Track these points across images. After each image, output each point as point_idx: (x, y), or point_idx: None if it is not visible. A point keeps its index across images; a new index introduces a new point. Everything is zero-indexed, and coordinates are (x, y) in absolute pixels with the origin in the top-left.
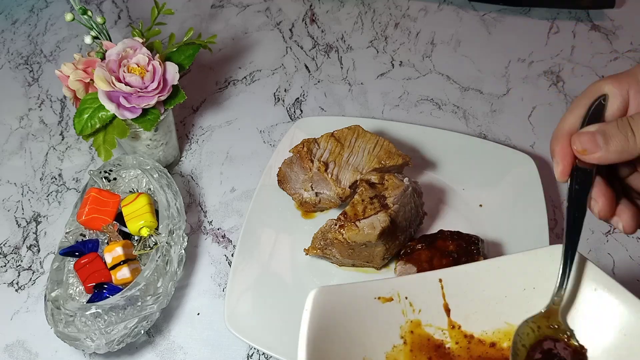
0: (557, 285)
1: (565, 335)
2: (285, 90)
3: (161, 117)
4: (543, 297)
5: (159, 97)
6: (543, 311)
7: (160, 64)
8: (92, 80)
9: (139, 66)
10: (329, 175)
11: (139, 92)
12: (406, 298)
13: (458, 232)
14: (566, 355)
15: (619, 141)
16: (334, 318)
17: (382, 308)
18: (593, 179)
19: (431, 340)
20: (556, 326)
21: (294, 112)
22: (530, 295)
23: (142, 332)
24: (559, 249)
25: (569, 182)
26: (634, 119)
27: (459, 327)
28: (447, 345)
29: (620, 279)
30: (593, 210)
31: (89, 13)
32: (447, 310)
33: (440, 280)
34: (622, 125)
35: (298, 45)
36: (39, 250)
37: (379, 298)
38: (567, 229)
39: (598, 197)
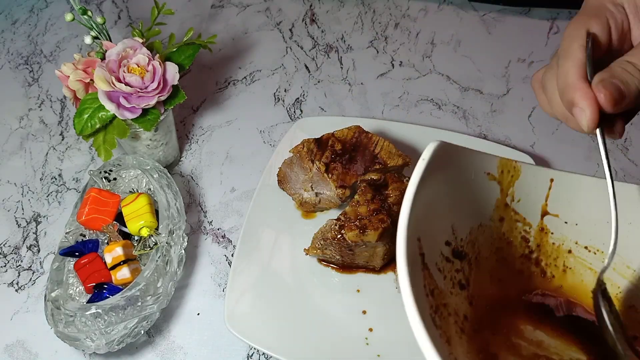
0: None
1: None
2: (285, 90)
3: (161, 117)
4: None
5: (159, 97)
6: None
7: (160, 64)
8: (92, 80)
9: (139, 66)
10: (329, 176)
11: (139, 92)
12: (512, 184)
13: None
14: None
15: (635, 87)
16: (444, 173)
17: (487, 184)
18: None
19: (511, 234)
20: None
21: (294, 112)
22: (630, 231)
23: (142, 332)
24: None
25: (598, 132)
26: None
27: (546, 232)
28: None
29: None
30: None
31: (89, 13)
32: (544, 212)
33: (552, 181)
34: (633, 70)
35: (298, 45)
36: (39, 250)
37: (488, 173)
38: (610, 178)
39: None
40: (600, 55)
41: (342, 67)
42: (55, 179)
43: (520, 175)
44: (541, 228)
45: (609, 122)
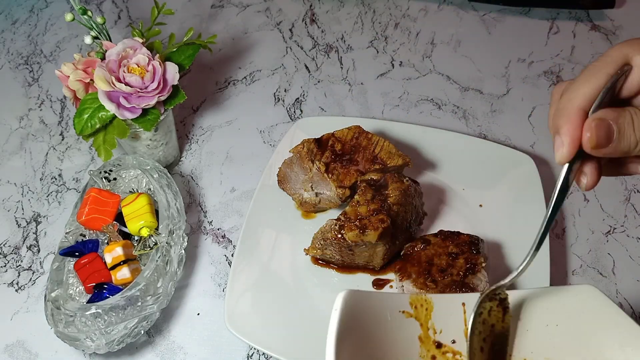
0: (520, 267)
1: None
2: (285, 90)
3: (161, 117)
4: (565, 335)
5: (159, 97)
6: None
7: (160, 64)
8: (92, 80)
9: (139, 66)
10: (329, 176)
11: (139, 92)
12: (429, 317)
13: (458, 232)
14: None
15: (629, 142)
16: (360, 321)
17: (406, 323)
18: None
19: None
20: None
21: (294, 112)
22: (552, 332)
23: (142, 332)
24: (595, 291)
25: (565, 166)
26: None
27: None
28: None
29: (620, 279)
30: (580, 183)
31: (89, 13)
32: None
33: (463, 305)
34: (638, 123)
35: (298, 45)
36: (39, 250)
37: (403, 312)
38: (549, 216)
39: (590, 171)
40: (633, 94)
41: (342, 67)
42: (55, 179)
43: (434, 307)
44: (473, 353)
45: (590, 161)
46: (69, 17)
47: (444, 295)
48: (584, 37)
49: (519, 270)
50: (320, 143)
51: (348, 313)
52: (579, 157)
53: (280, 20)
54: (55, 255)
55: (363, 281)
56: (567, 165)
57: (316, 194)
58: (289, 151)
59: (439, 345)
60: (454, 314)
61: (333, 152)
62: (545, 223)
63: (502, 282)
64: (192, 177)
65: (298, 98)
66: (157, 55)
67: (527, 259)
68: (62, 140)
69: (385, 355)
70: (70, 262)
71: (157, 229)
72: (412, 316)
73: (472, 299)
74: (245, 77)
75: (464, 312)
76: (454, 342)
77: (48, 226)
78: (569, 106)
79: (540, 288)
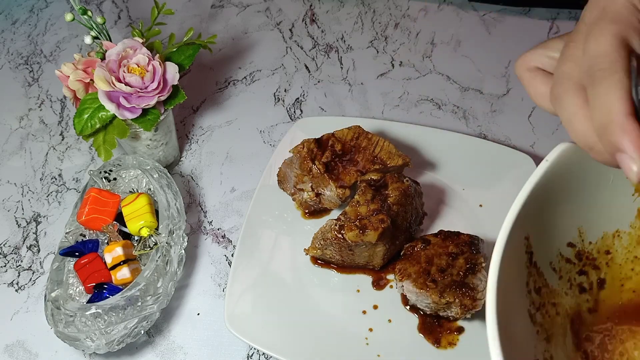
0: None
1: None
2: (285, 90)
3: (161, 117)
4: None
5: (159, 97)
6: None
7: (160, 64)
8: (92, 80)
9: (139, 66)
10: (329, 176)
11: (139, 92)
12: None
13: (458, 232)
14: None
15: None
16: (573, 178)
17: (629, 190)
18: None
19: None
20: None
21: (294, 112)
22: None
23: (142, 332)
24: None
25: None
26: None
27: None
28: None
29: None
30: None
31: (89, 13)
32: None
33: None
34: None
35: (298, 45)
36: (39, 250)
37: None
38: None
39: None
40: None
41: (342, 67)
42: (55, 179)
43: None
44: None
45: None
46: (69, 17)
47: None
48: None
49: None
50: (320, 143)
51: (560, 165)
52: None
53: (280, 20)
54: (55, 255)
55: (363, 281)
56: None
57: (316, 194)
58: (289, 151)
59: None
60: None
61: (333, 152)
62: None
63: None
64: (192, 177)
65: (298, 98)
66: (157, 55)
67: None
68: (62, 140)
69: (591, 213)
70: (70, 262)
71: (157, 229)
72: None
73: None
74: (245, 77)
75: None
76: None
77: (48, 226)
78: (613, 118)
79: None
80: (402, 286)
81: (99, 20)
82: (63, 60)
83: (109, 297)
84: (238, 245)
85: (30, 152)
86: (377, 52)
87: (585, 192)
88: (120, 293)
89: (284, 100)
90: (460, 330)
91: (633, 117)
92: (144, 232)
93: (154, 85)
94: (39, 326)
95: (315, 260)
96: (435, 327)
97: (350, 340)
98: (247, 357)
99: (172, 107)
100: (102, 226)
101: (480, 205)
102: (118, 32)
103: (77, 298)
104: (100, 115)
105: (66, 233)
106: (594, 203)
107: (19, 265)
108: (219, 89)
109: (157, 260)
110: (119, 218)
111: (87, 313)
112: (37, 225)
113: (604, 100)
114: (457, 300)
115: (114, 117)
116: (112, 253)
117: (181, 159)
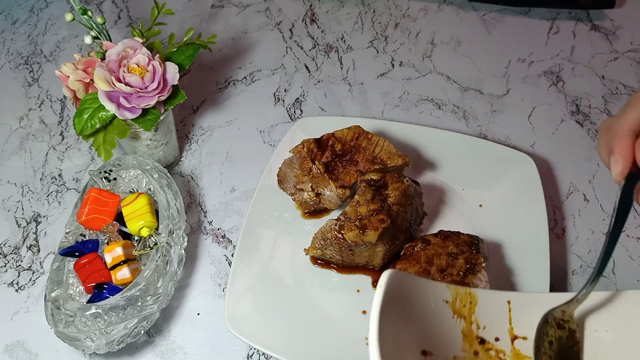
0: (590, 279)
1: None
2: (285, 90)
3: (161, 117)
4: (617, 341)
5: (159, 97)
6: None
7: (160, 64)
8: (92, 80)
9: (139, 66)
10: (329, 176)
11: (139, 92)
12: (472, 311)
13: (458, 232)
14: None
15: None
16: (404, 303)
17: (449, 314)
18: None
19: None
20: (567, 319)
21: (294, 112)
22: (601, 338)
23: (142, 332)
24: None
25: (622, 183)
26: None
27: (522, 357)
28: None
29: (620, 279)
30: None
31: (89, 13)
32: (513, 337)
33: (509, 302)
34: None
35: (298, 45)
36: (39, 250)
37: (446, 302)
38: (613, 229)
39: None
40: None
41: (342, 67)
42: (55, 179)
43: (478, 302)
44: (517, 354)
45: None
46: (69, 17)
47: (488, 290)
48: (584, 37)
49: (583, 291)
50: (320, 143)
51: (392, 292)
52: (636, 180)
53: (280, 20)
54: (55, 255)
55: (363, 281)
56: (623, 182)
57: (316, 194)
58: (289, 151)
59: (482, 341)
60: (499, 312)
61: (333, 152)
62: (607, 244)
63: (560, 305)
64: (192, 177)
65: (298, 98)
66: (157, 55)
67: (591, 282)
68: (62, 140)
69: (429, 342)
70: (70, 262)
71: (157, 229)
72: (455, 308)
73: (517, 298)
74: (245, 77)
75: (509, 311)
76: (497, 339)
77: (48, 226)
78: (620, 130)
79: (589, 293)
80: None
81: (99, 20)
82: (63, 60)
83: (109, 297)
84: (238, 245)
85: (30, 152)
86: (377, 52)
87: (419, 318)
88: (120, 293)
89: (284, 100)
90: None
91: (633, 133)
92: (144, 232)
93: (154, 85)
94: (39, 326)
95: (315, 260)
96: None
97: (350, 340)
98: (247, 357)
99: (172, 107)
100: (102, 226)
101: (480, 205)
102: (118, 32)
103: (77, 298)
104: (100, 115)
105: (66, 233)
106: (428, 329)
107: (19, 265)
108: (219, 89)
109: (157, 260)
110: (119, 218)
111: (87, 313)
112: (37, 225)
113: (623, 117)
114: None
115: (114, 117)
116: (112, 253)
117: (181, 159)
